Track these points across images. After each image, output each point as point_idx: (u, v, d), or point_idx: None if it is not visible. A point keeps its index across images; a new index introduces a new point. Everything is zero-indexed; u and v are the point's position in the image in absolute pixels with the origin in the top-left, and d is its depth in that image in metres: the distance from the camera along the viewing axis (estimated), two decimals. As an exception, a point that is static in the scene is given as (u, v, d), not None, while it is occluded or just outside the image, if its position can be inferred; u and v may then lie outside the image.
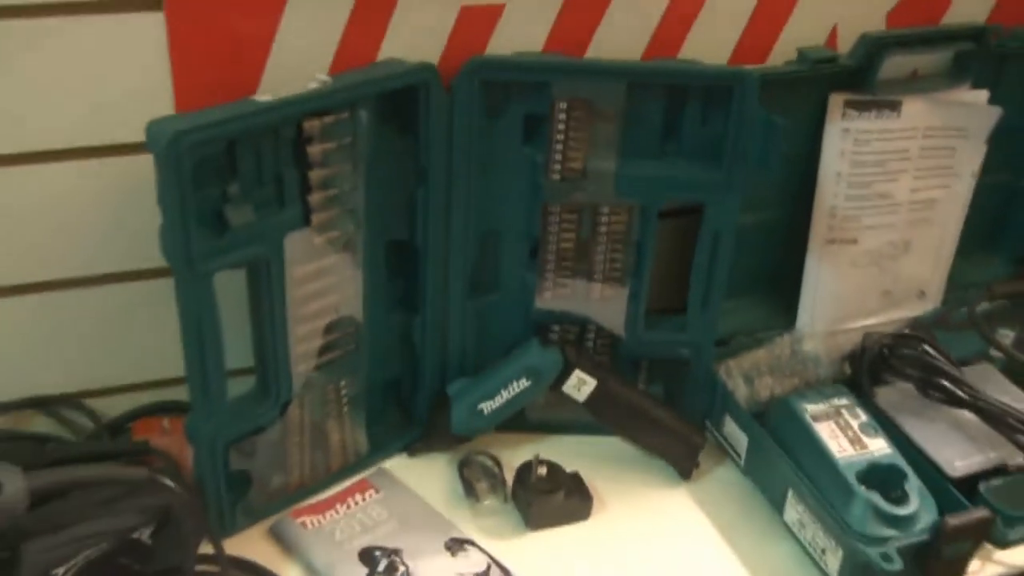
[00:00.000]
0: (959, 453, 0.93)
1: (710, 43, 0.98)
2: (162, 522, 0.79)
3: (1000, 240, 1.17)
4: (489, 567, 0.88)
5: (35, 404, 0.95)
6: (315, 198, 0.85)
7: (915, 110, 1.00)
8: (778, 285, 1.07)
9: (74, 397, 0.95)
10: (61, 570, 0.75)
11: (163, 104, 0.84)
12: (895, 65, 0.99)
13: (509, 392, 0.95)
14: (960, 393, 0.95)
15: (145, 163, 0.75)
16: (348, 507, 0.92)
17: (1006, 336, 1.07)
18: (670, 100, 0.91)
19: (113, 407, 0.97)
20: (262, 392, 0.89)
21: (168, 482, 0.78)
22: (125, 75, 0.83)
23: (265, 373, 0.88)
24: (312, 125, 0.82)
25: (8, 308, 0.90)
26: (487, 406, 0.95)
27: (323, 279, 0.88)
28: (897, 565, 0.83)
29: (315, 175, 0.83)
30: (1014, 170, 1.13)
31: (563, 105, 0.89)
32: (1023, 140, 1.10)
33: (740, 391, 0.99)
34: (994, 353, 1.05)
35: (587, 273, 0.97)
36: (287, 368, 0.88)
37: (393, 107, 0.86)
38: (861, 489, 0.88)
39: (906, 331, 1.00)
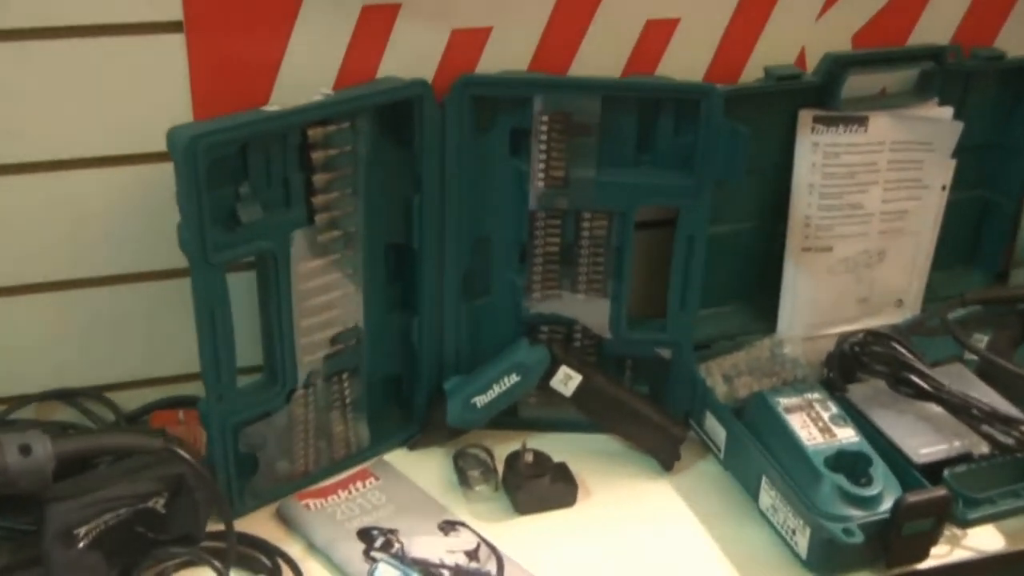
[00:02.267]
0: (925, 442, 1.02)
1: (684, 64, 1.09)
2: (175, 491, 0.90)
3: (978, 254, 1.27)
4: (479, 546, 0.97)
5: (59, 396, 1.06)
6: (318, 199, 0.96)
7: (881, 125, 1.11)
8: (759, 292, 1.17)
9: (96, 390, 1.07)
10: (83, 530, 0.86)
11: (183, 117, 0.96)
12: (861, 82, 1.10)
13: (500, 387, 1.05)
14: (927, 387, 1.04)
15: (167, 171, 0.87)
16: (349, 492, 1.02)
17: (980, 340, 1.15)
18: (644, 113, 1.02)
19: (133, 400, 1.08)
20: (270, 379, 0.99)
21: (182, 453, 0.88)
22: (149, 91, 0.96)
23: (272, 361, 0.99)
24: (316, 133, 0.94)
25: (35, 304, 1.02)
26: (480, 400, 1.05)
27: (326, 276, 0.99)
28: (858, 538, 0.91)
29: (318, 178, 0.95)
30: (987, 185, 1.23)
31: (545, 119, 1.00)
32: (993, 155, 1.21)
33: (719, 389, 1.08)
34: (968, 356, 1.13)
35: (572, 276, 1.07)
36: (293, 357, 0.99)
37: (391, 119, 0.98)
38: (828, 472, 0.96)
39: (876, 330, 1.09)
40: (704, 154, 1.00)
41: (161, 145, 0.87)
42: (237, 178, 0.92)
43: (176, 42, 0.95)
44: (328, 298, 1.00)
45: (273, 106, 0.93)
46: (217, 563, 0.90)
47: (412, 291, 1.05)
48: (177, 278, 0.99)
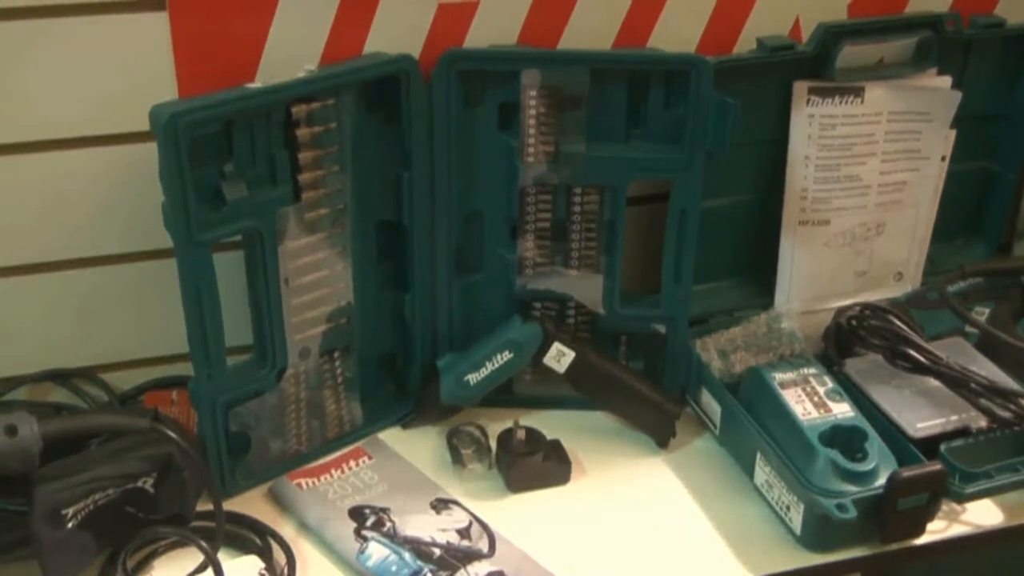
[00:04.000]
0: (922, 416, 1.02)
1: (675, 36, 1.09)
2: (164, 471, 0.91)
3: (980, 225, 1.27)
4: (471, 523, 0.98)
5: (53, 377, 1.08)
6: (304, 177, 0.97)
7: (877, 95, 1.11)
8: (755, 266, 1.18)
9: (90, 371, 1.08)
10: (71, 510, 0.87)
11: (168, 95, 0.97)
12: (858, 53, 1.09)
13: (493, 364, 1.06)
14: (924, 360, 1.04)
15: (153, 150, 0.88)
16: (342, 472, 1.04)
17: (981, 314, 1.15)
18: (633, 86, 1.02)
19: (126, 381, 1.10)
20: (260, 358, 1.01)
21: (170, 432, 0.89)
22: (133, 69, 0.97)
23: (262, 340, 1.00)
24: (300, 110, 0.94)
25: (29, 286, 1.04)
26: (473, 377, 1.06)
27: (315, 254, 1.00)
28: (851, 514, 0.92)
29: (304, 156, 0.96)
30: (989, 156, 1.23)
31: (533, 93, 1.01)
32: (995, 126, 1.21)
33: (715, 364, 1.08)
34: (969, 330, 1.13)
35: (565, 252, 1.08)
36: (283, 335, 1.00)
37: (378, 96, 0.99)
38: (822, 448, 0.97)
39: (874, 303, 1.08)
40: (694, 127, 1.01)
41: (146, 124, 0.88)
42: (221, 156, 0.93)
43: (159, 20, 0.96)
44: (318, 276, 1.01)
45: (258, 83, 0.94)
46: (205, 544, 0.90)
47: (403, 268, 1.06)
48: (168, 258, 0.98)
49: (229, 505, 0.97)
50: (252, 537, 0.96)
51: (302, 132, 0.95)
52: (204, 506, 0.94)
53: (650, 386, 1.08)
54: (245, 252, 0.98)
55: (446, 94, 1.00)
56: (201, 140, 0.90)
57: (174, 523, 0.93)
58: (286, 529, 0.98)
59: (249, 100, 0.91)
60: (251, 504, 1.00)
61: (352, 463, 1.05)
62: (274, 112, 0.94)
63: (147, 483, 0.91)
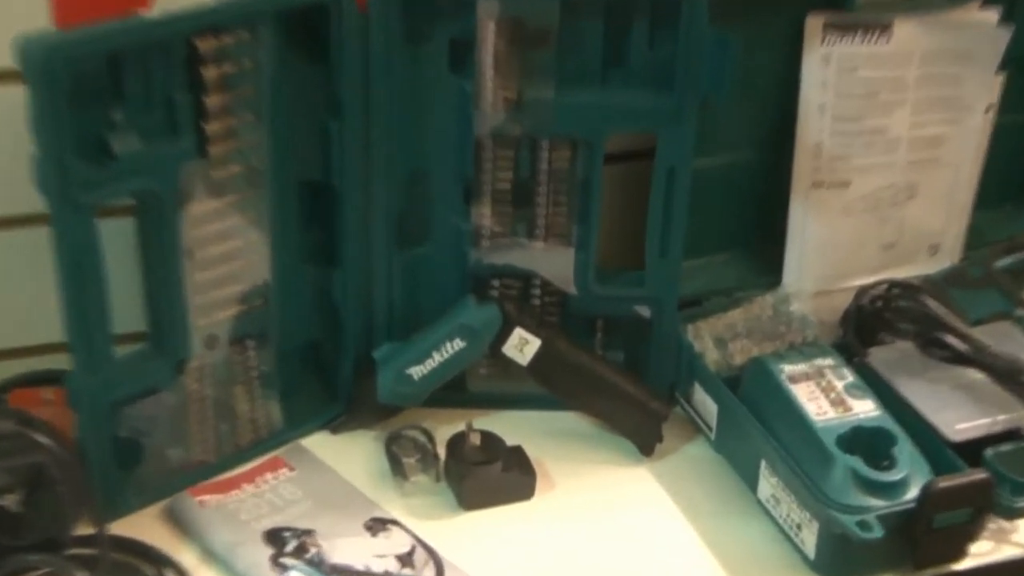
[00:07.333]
0: (962, 416, 1.02)
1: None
2: (33, 486, 0.89)
3: (1032, 190, 1.27)
4: (414, 548, 0.97)
5: None
6: (212, 127, 0.95)
7: (908, 33, 1.10)
8: (759, 238, 1.19)
9: (-58, 364, 1.06)
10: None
11: (39, 24, 0.94)
12: (883, -21, 1.09)
13: (442, 354, 1.05)
14: (965, 348, 1.04)
15: (22, 94, 0.85)
16: (256, 486, 1.02)
17: (1034, 294, 1.16)
18: (613, 19, 1.02)
19: (-12, 377, 1.08)
20: (155, 347, 0.99)
21: (40, 438, 0.88)
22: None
23: (158, 326, 0.99)
24: (206, 45, 0.92)
25: None
26: (417, 371, 1.06)
27: (224, 220, 0.99)
28: (876, 533, 0.91)
29: (211, 101, 0.94)
30: (1044, 107, 1.23)
31: (492, 26, 1.00)
32: (1053, 69, 1.20)
33: (710, 355, 1.08)
34: (1020, 313, 1.14)
35: (529, 219, 1.08)
36: (184, 320, 0.98)
37: (302, 29, 0.98)
38: (841, 454, 0.96)
39: (903, 280, 1.08)
40: (685, 69, 1.01)
41: (11, 60, 0.85)
42: (109, 101, 0.91)
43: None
44: (227, 247, 1.00)
45: (155, 10, 0.92)
46: (86, 574, 0.89)
47: (332, 239, 1.06)
48: (41, 224, 0.95)
49: (116, 527, 0.96)
50: (144, 567, 0.94)
51: (209, 72, 0.93)
52: (85, 529, 0.92)
53: (632, 381, 1.08)
54: (138, 218, 0.97)
55: (386, 27, 0.99)
56: (83, 80, 0.87)
57: (46, 549, 0.91)
58: (187, 557, 0.96)
59: (146, 31, 0.89)
60: (143, 526, 0.98)
61: (269, 476, 1.04)
62: (174, 47, 0.92)
63: (12, 501, 0.89)
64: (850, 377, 1.04)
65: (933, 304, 1.07)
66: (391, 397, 1.07)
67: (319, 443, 1.08)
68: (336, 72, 0.99)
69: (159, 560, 0.95)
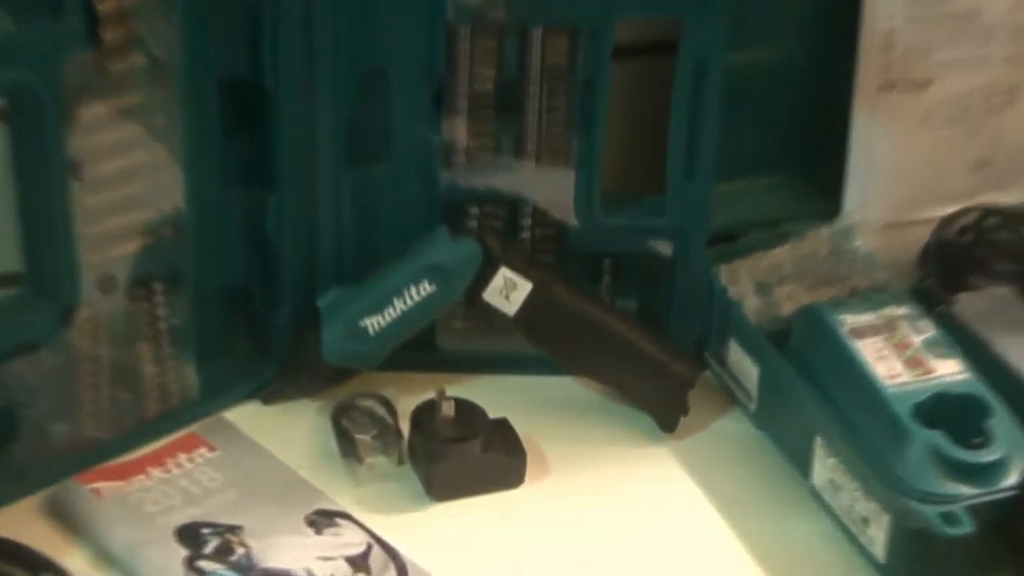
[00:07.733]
0: (1078, 380, 0.98)
1: None
2: None
3: None
4: (369, 548, 0.92)
5: None
6: (106, 7, 0.89)
7: None
8: (812, 155, 1.15)
9: None
10: None
11: None
12: None
13: (405, 302, 1.01)
14: (1083, 294, 1.01)
15: None
16: (167, 470, 0.97)
17: None
18: None
19: None
20: (34, 292, 0.94)
21: None
22: None
23: (37, 265, 0.93)
24: None
25: None
26: (373, 323, 1.01)
27: (122, 128, 0.93)
28: (965, 528, 0.85)
29: (106, -28, 0.90)
30: None
31: None
32: None
33: (750, 303, 1.04)
34: None
35: (517, 130, 1.04)
36: (71, 256, 0.93)
37: None
38: (919, 428, 0.91)
39: (1000, 206, 1.04)
40: None
41: None
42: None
43: None
44: (127, 164, 0.94)
45: None
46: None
47: (265, 154, 1.01)
48: None
49: (-12, 523, 0.91)
50: (19, 574, 0.88)
51: (102, -68, 0.89)
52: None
53: (649, 337, 1.04)
54: (8, 123, 0.91)
55: None
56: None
57: None
58: (76, 561, 0.90)
59: None
60: (20, 522, 0.92)
61: (183, 458, 0.98)
62: None
63: None
64: (931, 331, 0.98)
65: (1042, 238, 1.04)
66: (340, 357, 1.02)
67: (247, 416, 1.04)
68: (267, -64, 0.95)
69: (39, 565, 0.88)
